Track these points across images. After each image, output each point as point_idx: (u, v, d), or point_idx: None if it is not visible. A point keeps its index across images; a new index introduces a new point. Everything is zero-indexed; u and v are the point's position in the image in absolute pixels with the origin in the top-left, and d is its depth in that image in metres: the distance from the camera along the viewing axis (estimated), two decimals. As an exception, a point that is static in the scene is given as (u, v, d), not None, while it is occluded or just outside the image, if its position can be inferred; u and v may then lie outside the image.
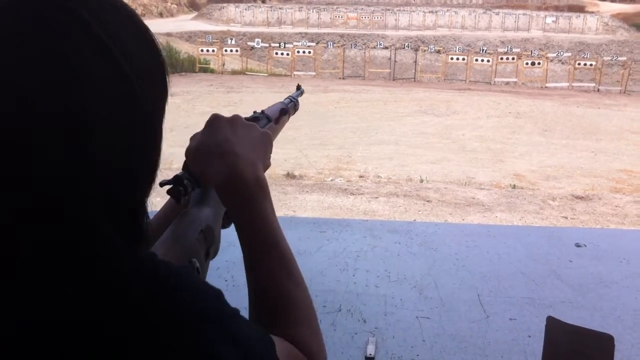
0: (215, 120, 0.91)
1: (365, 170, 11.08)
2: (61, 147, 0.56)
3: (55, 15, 0.58)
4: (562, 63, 30.40)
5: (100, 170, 0.59)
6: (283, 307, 0.83)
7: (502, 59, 28.92)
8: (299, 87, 1.51)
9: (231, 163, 0.86)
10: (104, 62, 0.59)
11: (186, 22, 41.17)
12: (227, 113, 0.95)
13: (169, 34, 31.52)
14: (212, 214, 0.93)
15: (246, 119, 1.05)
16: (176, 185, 0.86)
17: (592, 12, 47.53)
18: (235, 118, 0.94)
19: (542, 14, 44.32)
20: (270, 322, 0.80)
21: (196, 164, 0.88)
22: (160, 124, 0.68)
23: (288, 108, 1.32)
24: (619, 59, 28.92)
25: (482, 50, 30.42)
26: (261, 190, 0.88)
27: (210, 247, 0.90)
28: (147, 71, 0.65)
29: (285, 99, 1.37)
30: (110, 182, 0.61)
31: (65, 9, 0.59)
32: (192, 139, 0.92)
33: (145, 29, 0.68)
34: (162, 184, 0.80)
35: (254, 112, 1.19)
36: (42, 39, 0.56)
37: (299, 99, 1.44)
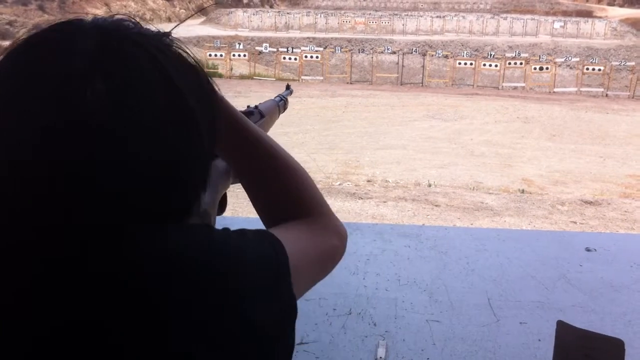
0: None
1: (373, 175, 11.08)
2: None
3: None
4: (570, 68, 30.33)
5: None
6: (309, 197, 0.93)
7: (510, 63, 28.89)
8: (288, 87, 1.58)
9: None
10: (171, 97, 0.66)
11: (194, 27, 41.26)
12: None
13: (177, 39, 31.58)
14: (209, 200, 0.95)
15: (241, 112, 1.13)
16: None
17: (600, 17, 47.44)
18: None
19: (550, 18, 44.24)
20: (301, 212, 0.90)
21: None
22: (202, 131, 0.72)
23: (279, 106, 1.37)
24: (628, 63, 28.86)
25: (490, 55, 30.40)
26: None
27: None
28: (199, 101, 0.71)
29: (276, 96, 1.42)
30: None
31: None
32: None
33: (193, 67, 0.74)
34: None
35: (248, 106, 1.23)
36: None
37: (289, 98, 1.50)
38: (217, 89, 0.78)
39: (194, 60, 0.73)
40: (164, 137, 0.65)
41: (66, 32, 0.65)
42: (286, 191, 0.92)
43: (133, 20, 0.70)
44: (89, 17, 0.68)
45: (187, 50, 0.73)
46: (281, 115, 1.47)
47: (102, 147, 0.60)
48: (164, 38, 0.71)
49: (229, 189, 1.08)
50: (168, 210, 0.67)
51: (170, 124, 0.65)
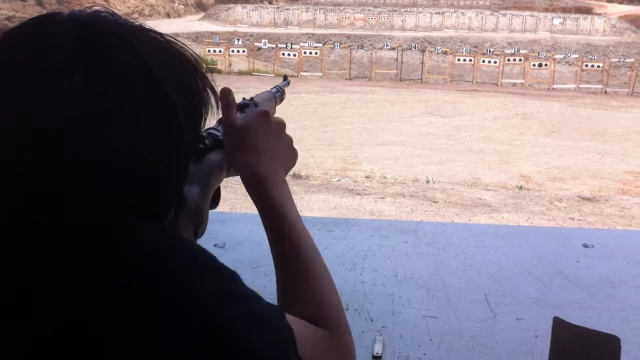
0: (266, 116, 0.94)
1: (372, 171, 11.08)
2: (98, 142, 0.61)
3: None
4: (569, 64, 30.31)
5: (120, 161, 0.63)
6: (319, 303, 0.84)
7: (509, 60, 28.88)
8: (285, 78, 1.56)
9: (264, 162, 0.89)
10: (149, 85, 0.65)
11: (193, 23, 41.23)
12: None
13: (176, 35, 31.45)
14: (200, 194, 0.93)
15: (236, 105, 1.12)
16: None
17: (600, 14, 47.37)
18: (282, 123, 0.96)
19: (549, 15, 44.19)
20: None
21: (234, 140, 0.91)
22: (182, 123, 0.70)
23: (276, 97, 1.37)
24: (626, 60, 28.85)
25: (489, 51, 30.38)
26: (280, 187, 0.90)
27: (199, 228, 0.92)
28: (178, 84, 0.69)
29: (273, 88, 1.41)
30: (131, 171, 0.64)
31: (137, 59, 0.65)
32: (244, 112, 0.99)
33: (178, 53, 0.73)
34: None
35: (243, 98, 1.22)
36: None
37: (286, 89, 1.49)
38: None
39: (188, 52, 0.73)
40: (145, 129, 0.64)
41: (44, 25, 0.65)
42: (309, 297, 0.84)
43: (110, 11, 0.69)
44: (67, 11, 0.68)
45: (178, 42, 0.73)
46: (279, 109, 1.46)
47: (82, 141, 0.60)
48: (145, 29, 0.70)
49: (227, 184, 1.07)
50: (152, 204, 0.66)
51: (150, 116, 0.65)
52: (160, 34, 0.72)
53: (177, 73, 0.70)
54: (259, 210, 0.89)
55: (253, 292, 0.68)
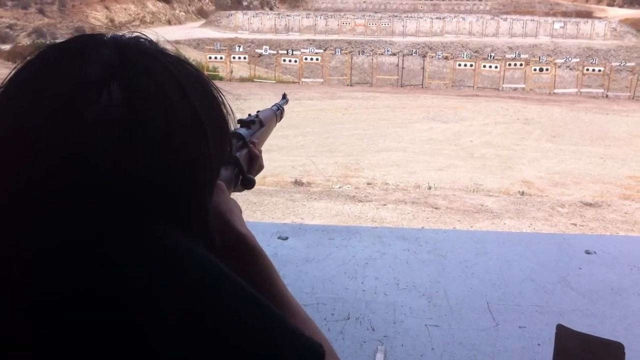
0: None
1: (373, 177, 11.07)
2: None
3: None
4: (570, 69, 30.34)
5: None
6: None
7: (510, 65, 28.90)
8: (284, 96, 1.59)
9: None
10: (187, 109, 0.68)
11: (194, 30, 41.32)
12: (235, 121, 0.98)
13: (177, 42, 31.63)
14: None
15: (242, 121, 1.17)
16: None
17: (600, 18, 47.45)
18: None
19: (549, 19, 44.26)
20: None
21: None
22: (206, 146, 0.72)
23: (276, 115, 1.40)
24: (628, 64, 28.84)
25: (490, 56, 30.43)
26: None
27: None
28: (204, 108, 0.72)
29: (274, 105, 1.43)
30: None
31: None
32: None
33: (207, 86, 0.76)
34: None
35: (249, 115, 1.23)
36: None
37: (285, 107, 1.51)
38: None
39: (211, 86, 0.76)
40: (175, 145, 0.66)
41: (85, 43, 0.68)
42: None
43: (149, 39, 0.73)
44: (109, 33, 0.71)
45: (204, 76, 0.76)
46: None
47: (113, 153, 0.61)
48: (181, 59, 0.74)
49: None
50: (175, 217, 0.67)
51: (182, 135, 0.67)
52: (195, 67, 0.75)
53: (206, 102, 0.73)
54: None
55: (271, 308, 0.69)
